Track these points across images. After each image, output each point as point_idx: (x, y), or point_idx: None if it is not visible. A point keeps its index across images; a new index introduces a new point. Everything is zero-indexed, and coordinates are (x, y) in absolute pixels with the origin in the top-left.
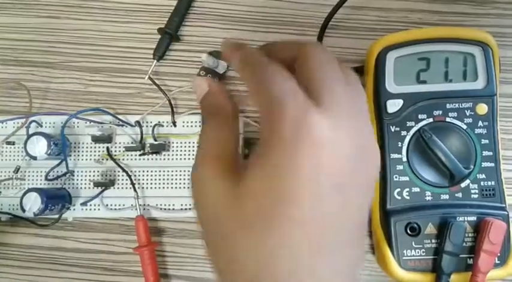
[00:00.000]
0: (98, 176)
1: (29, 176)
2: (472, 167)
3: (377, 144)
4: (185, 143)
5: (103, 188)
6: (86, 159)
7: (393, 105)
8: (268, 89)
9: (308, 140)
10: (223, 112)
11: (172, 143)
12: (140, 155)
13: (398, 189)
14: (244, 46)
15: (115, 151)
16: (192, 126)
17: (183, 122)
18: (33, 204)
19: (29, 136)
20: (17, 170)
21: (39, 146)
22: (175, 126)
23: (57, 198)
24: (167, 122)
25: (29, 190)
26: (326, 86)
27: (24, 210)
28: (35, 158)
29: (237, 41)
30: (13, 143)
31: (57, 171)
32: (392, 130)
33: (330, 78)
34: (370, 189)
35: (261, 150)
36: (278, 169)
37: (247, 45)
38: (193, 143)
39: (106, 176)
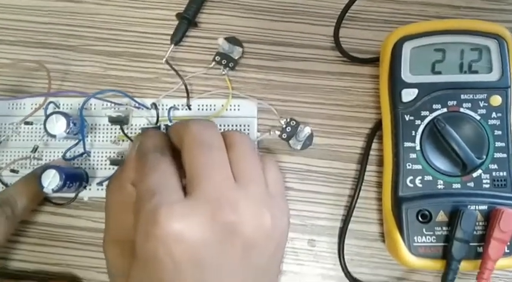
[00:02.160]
0: (114, 156)
1: (46, 156)
2: (484, 157)
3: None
4: None
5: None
6: (102, 141)
7: (408, 95)
8: (144, 180)
9: (153, 240)
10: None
11: None
12: None
13: (411, 177)
14: (148, 133)
15: (131, 133)
16: (206, 109)
17: (198, 105)
18: (52, 181)
19: (49, 115)
20: (35, 150)
21: (59, 125)
22: (190, 109)
23: (75, 176)
24: (182, 105)
25: (48, 167)
26: (194, 172)
27: (42, 187)
28: (54, 137)
29: (149, 131)
30: (31, 123)
31: (74, 152)
32: (407, 119)
33: (199, 163)
34: (239, 267)
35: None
36: (146, 265)
37: (154, 132)
38: None
39: (122, 156)
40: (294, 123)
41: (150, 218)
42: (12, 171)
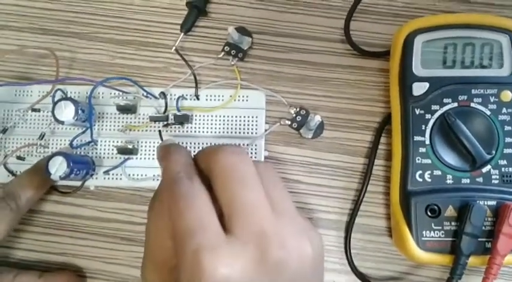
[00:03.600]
0: (121, 145)
1: (52, 143)
2: (494, 152)
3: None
4: (208, 116)
5: (126, 157)
6: (110, 129)
7: (419, 88)
8: (180, 218)
9: None
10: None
11: (195, 115)
12: (164, 125)
13: (420, 172)
14: (172, 155)
15: (138, 122)
16: (215, 100)
17: (206, 96)
18: (59, 168)
19: (57, 101)
20: (41, 137)
21: (67, 111)
22: (198, 99)
23: (82, 163)
24: (190, 95)
25: (55, 154)
26: (235, 210)
27: (49, 174)
28: (62, 123)
29: (170, 146)
30: (39, 110)
31: (81, 140)
32: (417, 113)
33: (239, 201)
34: None
35: (178, 277)
36: None
37: (179, 151)
38: (216, 116)
39: (129, 146)
40: (304, 112)
41: (195, 262)
42: (19, 158)
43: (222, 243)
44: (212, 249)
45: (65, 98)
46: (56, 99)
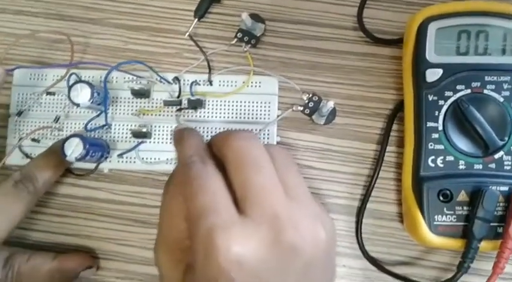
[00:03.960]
0: (135, 128)
1: (67, 127)
2: (506, 139)
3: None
4: (221, 101)
5: (139, 141)
6: (123, 113)
7: (432, 75)
8: (194, 199)
9: (214, 265)
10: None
11: (208, 101)
12: (177, 110)
13: (433, 157)
14: (186, 139)
15: (152, 106)
16: (227, 85)
17: (219, 81)
18: (75, 149)
19: (73, 83)
20: (56, 119)
21: (83, 94)
22: (211, 85)
23: (97, 146)
24: (203, 81)
25: (72, 135)
26: (248, 193)
27: (65, 155)
28: (77, 105)
29: (184, 130)
30: (53, 94)
31: (95, 124)
32: (430, 99)
33: (252, 184)
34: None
35: (191, 258)
36: None
37: (192, 135)
38: (229, 101)
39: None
40: (317, 98)
41: (208, 241)
42: (34, 140)
43: (235, 223)
44: (225, 228)
45: (81, 80)
46: (70, 83)
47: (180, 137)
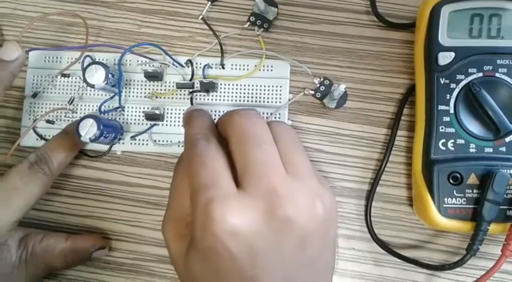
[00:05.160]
0: (149, 110)
1: (80, 109)
2: None
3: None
4: (233, 84)
5: (152, 123)
6: (137, 96)
7: (444, 58)
8: (195, 174)
9: (211, 235)
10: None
11: (221, 84)
12: (190, 93)
13: (443, 140)
14: (194, 119)
15: (165, 89)
16: (240, 69)
17: (232, 65)
18: (90, 130)
19: (88, 65)
20: (71, 101)
21: (98, 75)
22: (223, 68)
23: (111, 127)
24: (216, 64)
25: (86, 116)
26: (247, 168)
27: (80, 136)
28: (92, 86)
29: (193, 111)
30: (68, 76)
31: (109, 106)
32: (442, 82)
33: (251, 159)
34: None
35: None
36: (204, 256)
37: (201, 115)
38: (241, 85)
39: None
40: (328, 82)
41: (206, 213)
42: (48, 122)
43: (232, 196)
44: (222, 201)
45: (96, 62)
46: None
47: (189, 117)
